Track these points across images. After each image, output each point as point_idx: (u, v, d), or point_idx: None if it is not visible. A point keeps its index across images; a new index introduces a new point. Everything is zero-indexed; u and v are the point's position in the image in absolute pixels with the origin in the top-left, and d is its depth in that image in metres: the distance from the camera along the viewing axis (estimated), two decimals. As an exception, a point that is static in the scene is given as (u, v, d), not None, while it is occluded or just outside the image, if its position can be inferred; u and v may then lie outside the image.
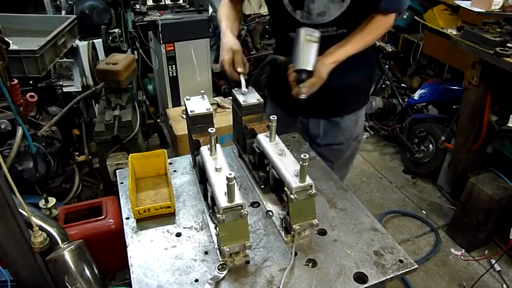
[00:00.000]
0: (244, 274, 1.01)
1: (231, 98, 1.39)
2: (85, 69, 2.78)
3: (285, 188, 1.06)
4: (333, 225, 1.16)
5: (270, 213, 1.21)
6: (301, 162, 0.98)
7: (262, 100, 1.30)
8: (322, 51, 1.38)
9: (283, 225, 1.14)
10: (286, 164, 1.09)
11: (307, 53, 1.28)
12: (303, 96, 1.28)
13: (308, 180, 1.02)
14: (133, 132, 2.27)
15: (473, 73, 2.45)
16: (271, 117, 1.18)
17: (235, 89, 1.33)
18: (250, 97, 1.29)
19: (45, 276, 1.30)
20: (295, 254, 1.07)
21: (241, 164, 1.44)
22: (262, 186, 1.29)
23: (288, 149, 1.17)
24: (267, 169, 1.22)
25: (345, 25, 1.44)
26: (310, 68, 1.28)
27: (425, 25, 3.52)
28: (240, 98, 1.28)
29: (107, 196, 1.85)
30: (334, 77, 1.37)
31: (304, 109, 1.23)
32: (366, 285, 0.98)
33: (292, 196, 1.01)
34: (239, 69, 1.33)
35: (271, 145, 1.18)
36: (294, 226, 1.06)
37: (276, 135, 1.21)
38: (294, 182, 1.02)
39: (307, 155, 0.97)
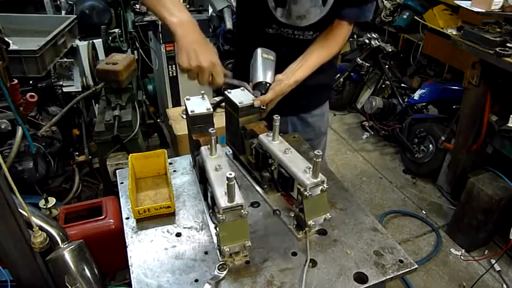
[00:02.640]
0: (244, 274, 1.01)
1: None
2: (85, 69, 2.78)
3: (298, 186, 1.06)
4: (333, 225, 1.16)
5: (277, 212, 1.21)
6: (314, 159, 0.99)
7: None
8: (296, 53, 1.42)
9: (295, 222, 1.14)
10: (295, 162, 1.10)
11: (266, 68, 1.32)
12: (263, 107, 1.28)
13: (320, 176, 1.03)
14: (133, 132, 2.27)
15: (473, 73, 2.45)
16: (274, 116, 1.18)
17: (228, 90, 1.31)
18: (244, 98, 1.27)
19: (45, 276, 1.29)
20: (295, 254, 1.07)
21: (237, 165, 1.43)
22: (265, 187, 1.29)
23: None
24: (272, 168, 1.22)
25: (321, 30, 1.47)
26: (269, 80, 1.30)
27: (425, 25, 3.53)
28: (236, 100, 1.25)
29: (107, 196, 1.85)
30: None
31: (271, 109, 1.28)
32: (366, 285, 0.98)
33: (306, 193, 1.02)
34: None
35: (276, 144, 1.18)
36: (309, 222, 1.07)
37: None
38: (307, 178, 1.02)
39: (320, 152, 0.99)
